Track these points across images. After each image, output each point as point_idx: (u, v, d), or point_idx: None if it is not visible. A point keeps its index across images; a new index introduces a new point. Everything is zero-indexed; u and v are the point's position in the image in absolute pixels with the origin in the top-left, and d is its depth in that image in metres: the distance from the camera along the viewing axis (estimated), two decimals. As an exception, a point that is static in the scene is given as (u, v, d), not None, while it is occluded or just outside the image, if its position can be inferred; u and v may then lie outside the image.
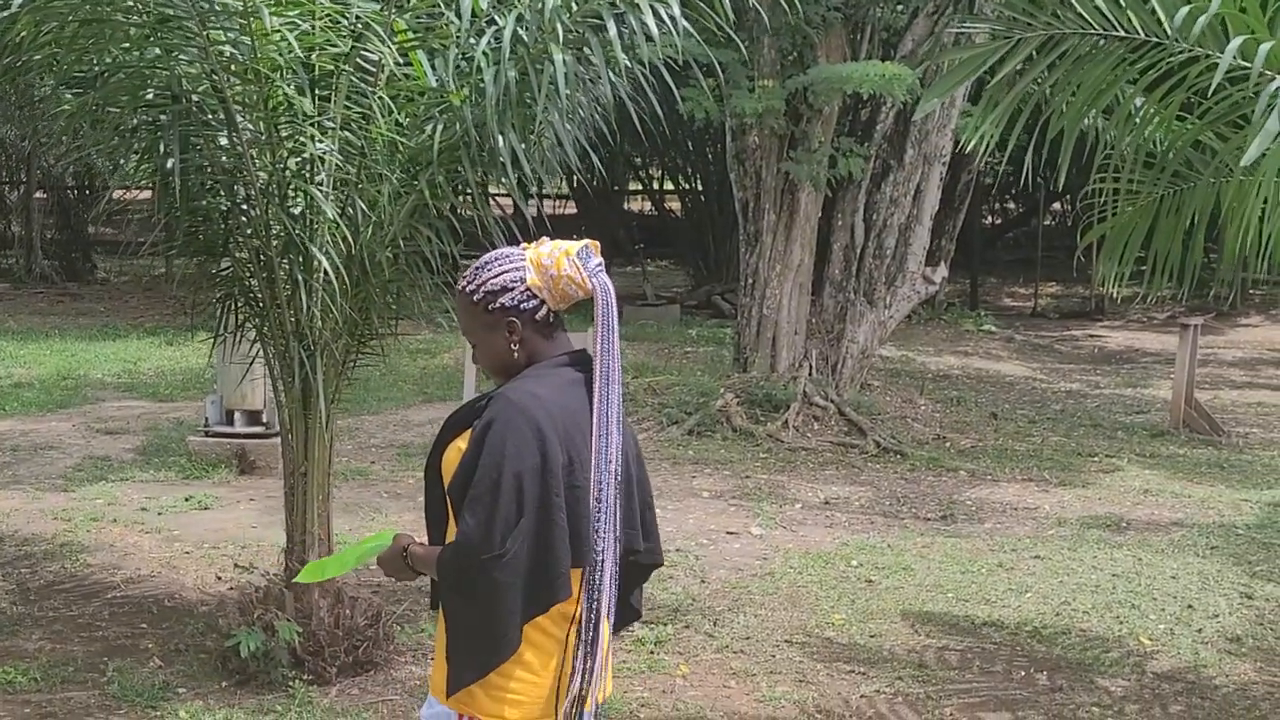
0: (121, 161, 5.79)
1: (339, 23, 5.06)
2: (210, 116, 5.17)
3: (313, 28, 5.06)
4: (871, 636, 6.32)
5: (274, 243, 5.27)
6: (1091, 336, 17.85)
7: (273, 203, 5.19)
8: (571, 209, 24.81)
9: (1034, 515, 8.66)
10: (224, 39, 4.94)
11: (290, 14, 5.02)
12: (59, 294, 19.66)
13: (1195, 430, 11.23)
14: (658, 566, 3.23)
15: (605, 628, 2.98)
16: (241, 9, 4.79)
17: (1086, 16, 4.90)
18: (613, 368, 2.93)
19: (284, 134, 5.15)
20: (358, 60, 5.13)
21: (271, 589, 5.71)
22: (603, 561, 2.91)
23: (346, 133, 5.20)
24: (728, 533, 8.02)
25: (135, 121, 5.36)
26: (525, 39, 4.94)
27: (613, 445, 2.91)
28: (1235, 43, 4.35)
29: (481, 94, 4.94)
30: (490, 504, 2.82)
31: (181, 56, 5.03)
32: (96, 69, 5.16)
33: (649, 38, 4.89)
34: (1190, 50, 4.76)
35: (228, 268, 5.67)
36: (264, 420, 9.21)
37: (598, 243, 3.02)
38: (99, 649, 5.90)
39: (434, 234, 5.48)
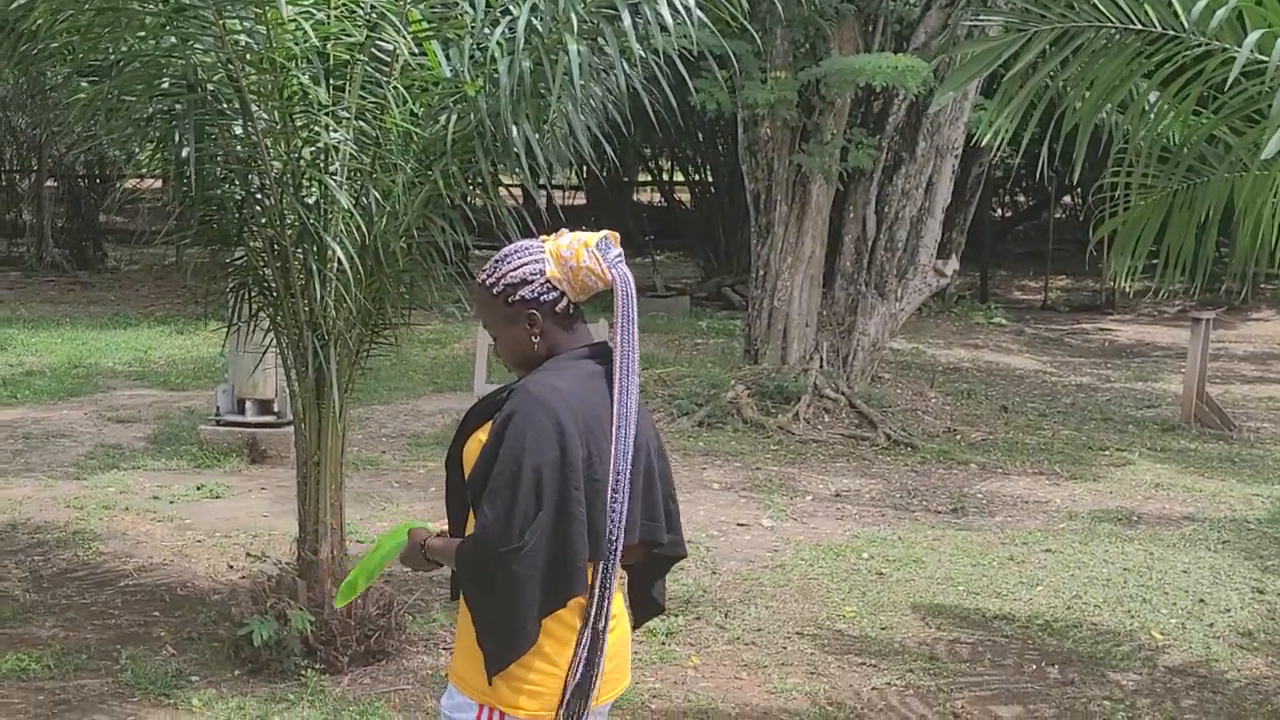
0: (136, 150, 5.80)
1: (354, 12, 5.06)
2: (225, 105, 5.17)
3: (328, 17, 5.05)
4: (882, 629, 6.32)
5: (288, 232, 5.27)
6: (1102, 330, 17.83)
7: (287, 192, 5.19)
8: (581, 199, 24.83)
9: (1045, 509, 8.66)
10: (239, 28, 4.94)
11: (305, 3, 5.01)
12: (70, 282, 19.70)
13: (1206, 425, 11.21)
14: (681, 559, 3.23)
15: (625, 623, 3.00)
16: (257, -2, 4.79)
17: (1103, 9, 4.89)
18: (632, 359, 2.93)
19: (299, 123, 5.15)
20: (373, 50, 5.13)
21: (284, 578, 5.71)
22: (614, 552, 2.92)
23: (361, 122, 5.20)
24: (738, 524, 8.02)
25: (150, 110, 5.36)
26: (540, 29, 4.94)
27: (631, 436, 2.91)
28: (1253, 36, 4.33)
29: (496, 84, 4.93)
30: (509, 497, 2.82)
31: (197, 45, 5.03)
32: (112, 58, 5.16)
33: (663, 28, 4.89)
34: (1207, 44, 4.75)
35: (242, 257, 5.68)
36: (275, 409, 9.23)
37: (617, 234, 3.02)
38: (112, 637, 5.92)
39: (448, 224, 5.48)
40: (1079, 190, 26.61)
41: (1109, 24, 4.91)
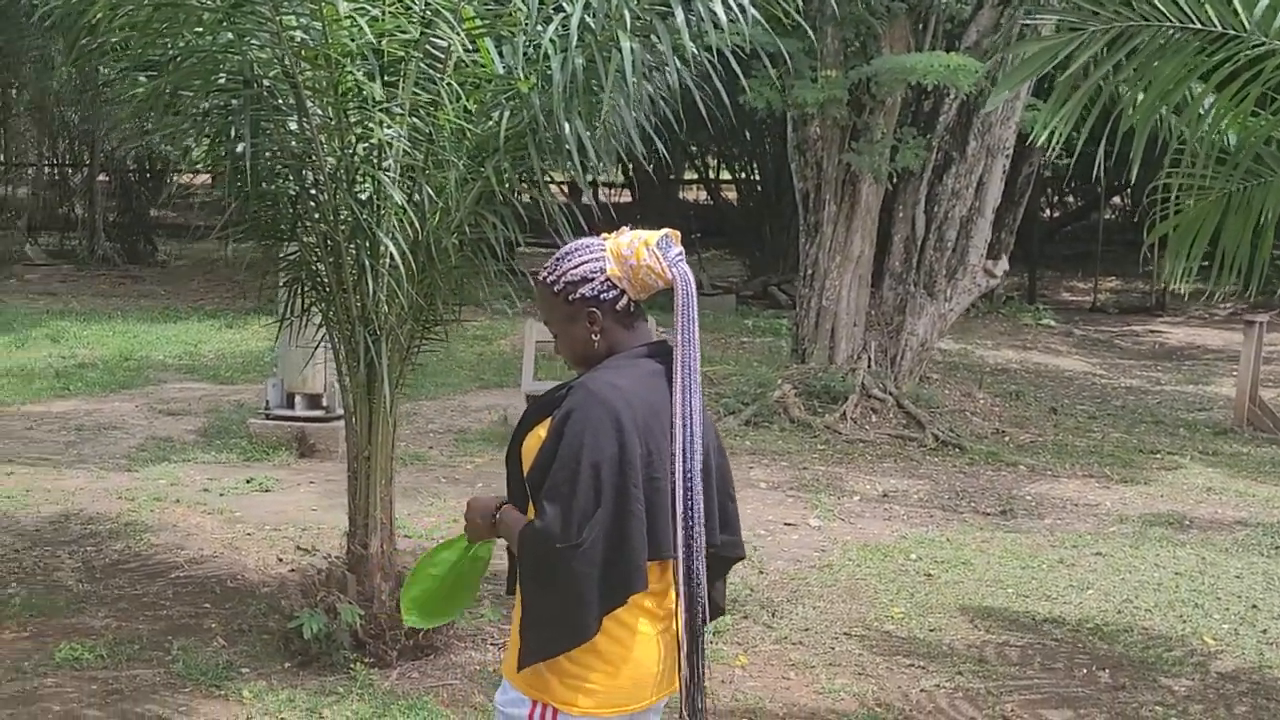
0: (191, 145, 5.84)
1: (409, 9, 5.07)
2: (280, 101, 5.20)
3: (382, 14, 5.07)
4: (931, 631, 6.29)
5: (341, 228, 5.29)
6: (1152, 332, 17.68)
7: (341, 188, 5.21)
8: (628, 197, 24.82)
9: (1095, 512, 8.59)
10: (296, 24, 4.96)
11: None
12: (121, 276, 19.89)
13: (1259, 428, 11.10)
14: (739, 560, 3.23)
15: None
16: (313, -6, 4.81)
17: (1161, 8, 4.84)
18: (693, 358, 2.92)
19: (353, 119, 5.17)
20: (427, 47, 5.14)
21: (333, 571, 5.74)
22: (696, 556, 2.93)
23: (414, 119, 5.21)
24: (785, 524, 8.00)
25: (207, 106, 5.40)
26: (592, 26, 4.94)
27: (696, 436, 2.91)
28: (1316, 36, 4.28)
29: (549, 81, 4.94)
30: (568, 494, 2.82)
31: (254, 41, 5.05)
32: (170, 53, 5.19)
33: (716, 25, 4.88)
34: (1268, 44, 4.69)
35: (295, 252, 5.71)
36: (324, 404, 9.28)
37: (677, 232, 3.01)
38: (163, 627, 5.96)
39: (499, 220, 5.49)
40: (1129, 191, 26.42)
41: (1168, 23, 4.86)
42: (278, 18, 4.85)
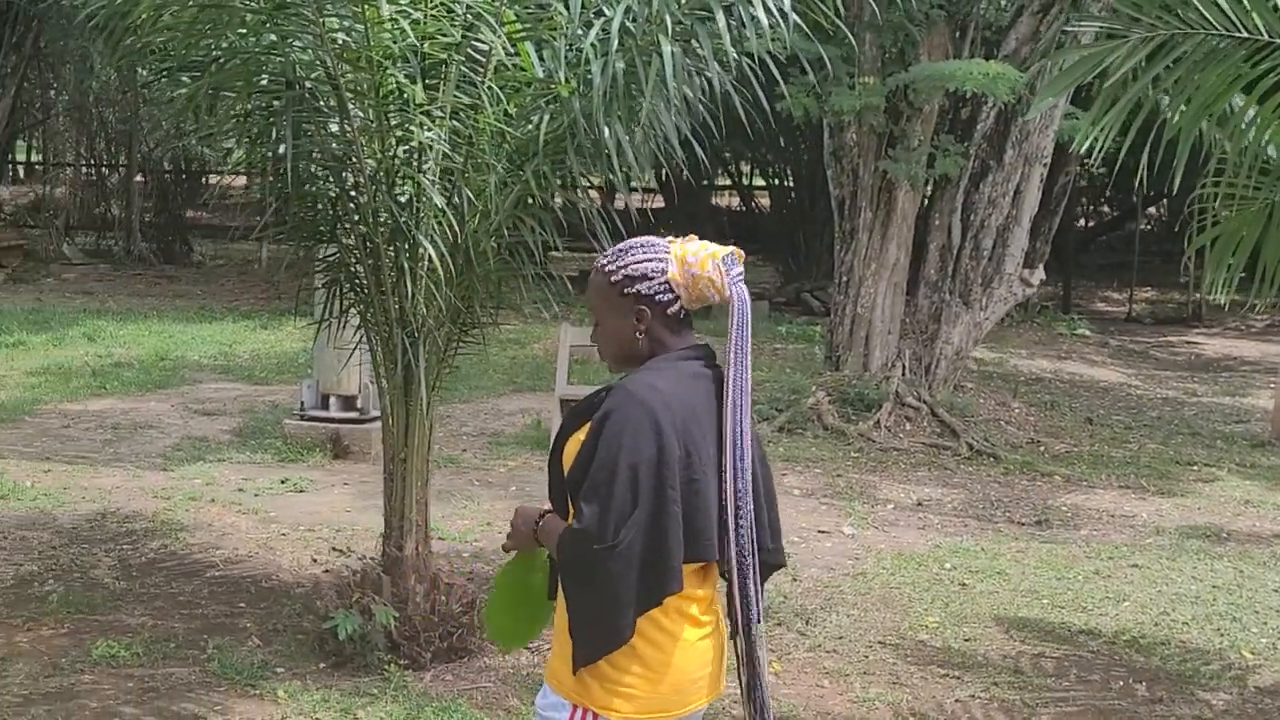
0: (232, 146, 5.87)
1: (451, 12, 5.08)
2: (322, 103, 5.22)
3: (424, 17, 5.08)
4: (966, 640, 6.26)
5: (381, 230, 5.30)
6: (1188, 343, 17.55)
7: (381, 190, 5.23)
8: (660, 202, 24.82)
9: (1131, 523, 8.53)
10: (338, 26, 4.98)
11: (402, 2, 5.04)
12: (157, 276, 20.02)
13: (1297, 441, 11.00)
14: (780, 567, 3.22)
15: (722, 629, 3.02)
16: (356, -4, 4.83)
17: (1206, 15, 4.80)
18: (745, 377, 2.95)
19: (393, 122, 5.18)
20: (469, 50, 5.15)
21: (368, 573, 5.75)
22: (750, 567, 2.97)
23: (455, 122, 5.22)
24: (819, 531, 7.97)
25: (249, 107, 5.42)
26: (632, 30, 4.94)
27: (746, 453, 2.93)
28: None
29: (589, 85, 4.94)
30: (605, 495, 2.82)
31: (296, 43, 5.08)
32: (213, 54, 5.22)
33: (758, 31, 4.87)
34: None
35: (334, 254, 5.73)
36: (359, 406, 9.30)
37: (742, 252, 3.02)
38: (199, 626, 5.99)
39: (537, 224, 5.49)
40: (1165, 201, 26.26)
41: (1212, 30, 4.83)
42: (321, 19, 4.88)
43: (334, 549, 7.07)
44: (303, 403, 9.46)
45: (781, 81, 5.31)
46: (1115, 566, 7.48)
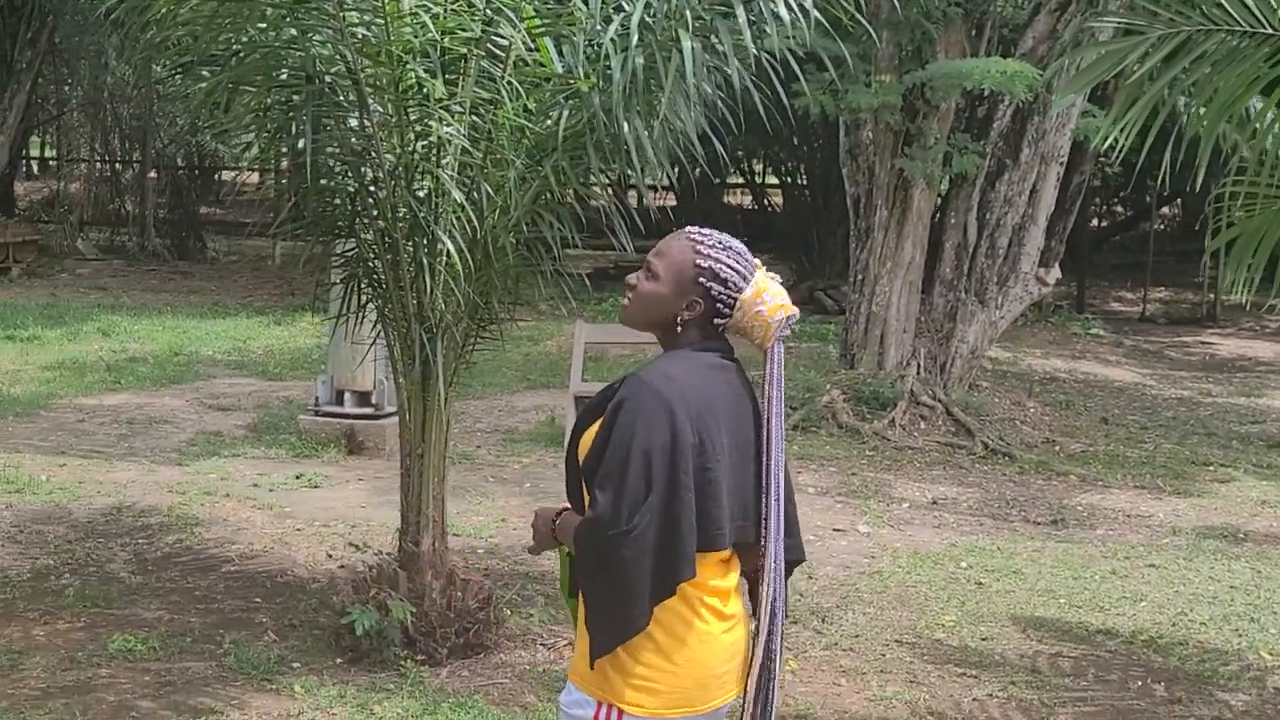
0: (251, 140, 5.86)
1: (471, 6, 5.07)
2: (342, 98, 5.21)
3: (444, 11, 5.07)
4: (982, 639, 6.23)
5: (400, 225, 5.29)
6: (1202, 343, 17.48)
7: (400, 185, 5.22)
8: (672, 200, 24.79)
9: (1147, 523, 8.50)
10: (359, 20, 4.97)
11: (422, -3, 5.04)
12: (170, 272, 20.06)
13: (1313, 443, 10.95)
14: (800, 563, 3.21)
15: (744, 625, 3.02)
16: (377, -9, 4.82)
17: (1231, 12, 4.77)
18: (779, 429, 3.00)
19: (413, 116, 5.18)
20: (488, 45, 5.14)
21: (385, 568, 5.75)
22: (776, 567, 3.00)
23: (474, 117, 5.21)
24: (834, 529, 7.96)
25: (269, 101, 5.41)
26: (652, 25, 4.92)
27: (779, 470, 3.00)
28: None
29: (608, 80, 4.92)
30: (619, 481, 2.82)
31: (316, 37, 5.07)
32: (233, 48, 5.21)
33: (780, 24, 4.86)
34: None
35: (352, 249, 5.72)
36: (373, 401, 9.30)
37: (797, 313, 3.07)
38: (215, 621, 5.99)
39: (556, 220, 5.48)
40: (1179, 201, 26.18)
41: (1235, 27, 4.79)
42: (341, 14, 4.87)
43: (350, 544, 7.08)
44: (317, 398, 9.45)
45: (802, 78, 5.29)
46: (1132, 566, 7.45)
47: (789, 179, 23.27)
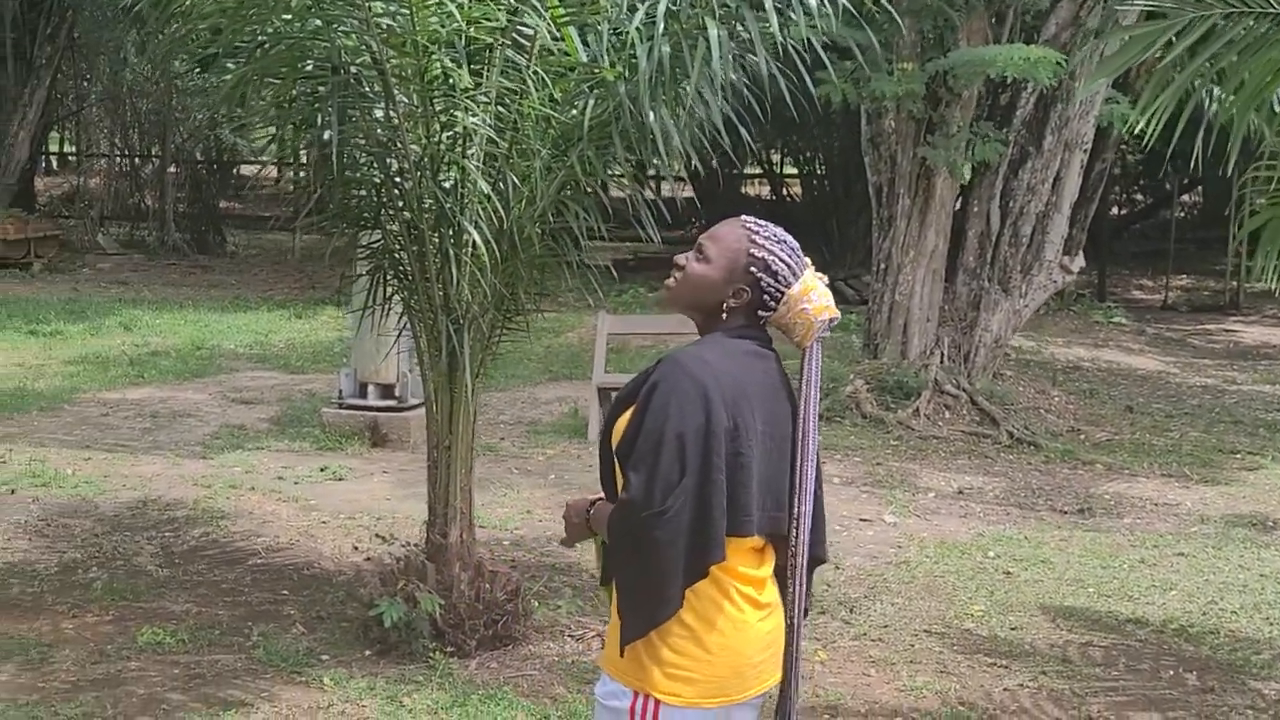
0: (273, 133, 5.85)
1: (496, -6, 5.05)
2: (367, 89, 5.20)
3: (468, 1, 5.04)
4: (1012, 629, 6.20)
5: (426, 215, 5.28)
6: (1226, 331, 17.38)
7: (426, 175, 5.20)
8: (688, 191, 24.73)
9: (1175, 512, 8.44)
10: (383, 10, 4.96)
11: (448, -14, 5.01)
12: (191, 266, 20.09)
13: (1341, 430, 10.87)
14: (823, 563, 3.20)
15: (780, 613, 3.03)
16: (402, -20, 4.80)
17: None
18: (812, 426, 3.01)
19: (438, 107, 5.16)
20: (514, 34, 5.12)
21: (412, 560, 5.74)
22: (804, 560, 3.02)
23: (499, 107, 5.19)
24: (860, 519, 7.92)
25: (294, 93, 5.40)
26: (677, 14, 4.89)
27: (812, 466, 3.01)
28: None
29: (634, 69, 4.90)
30: (652, 463, 2.82)
31: (341, 28, 5.06)
32: (258, 39, 5.19)
33: (807, 13, 4.83)
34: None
35: (377, 241, 5.71)
36: (397, 394, 9.29)
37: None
38: (243, 613, 5.99)
39: (581, 210, 5.46)
40: (1200, 189, 26.02)
41: (1268, 9, 4.73)
42: (366, 4, 4.85)
43: (378, 536, 7.07)
44: (340, 391, 9.45)
45: (829, 65, 5.25)
46: (1161, 555, 7.41)
47: (807, 169, 23.18)
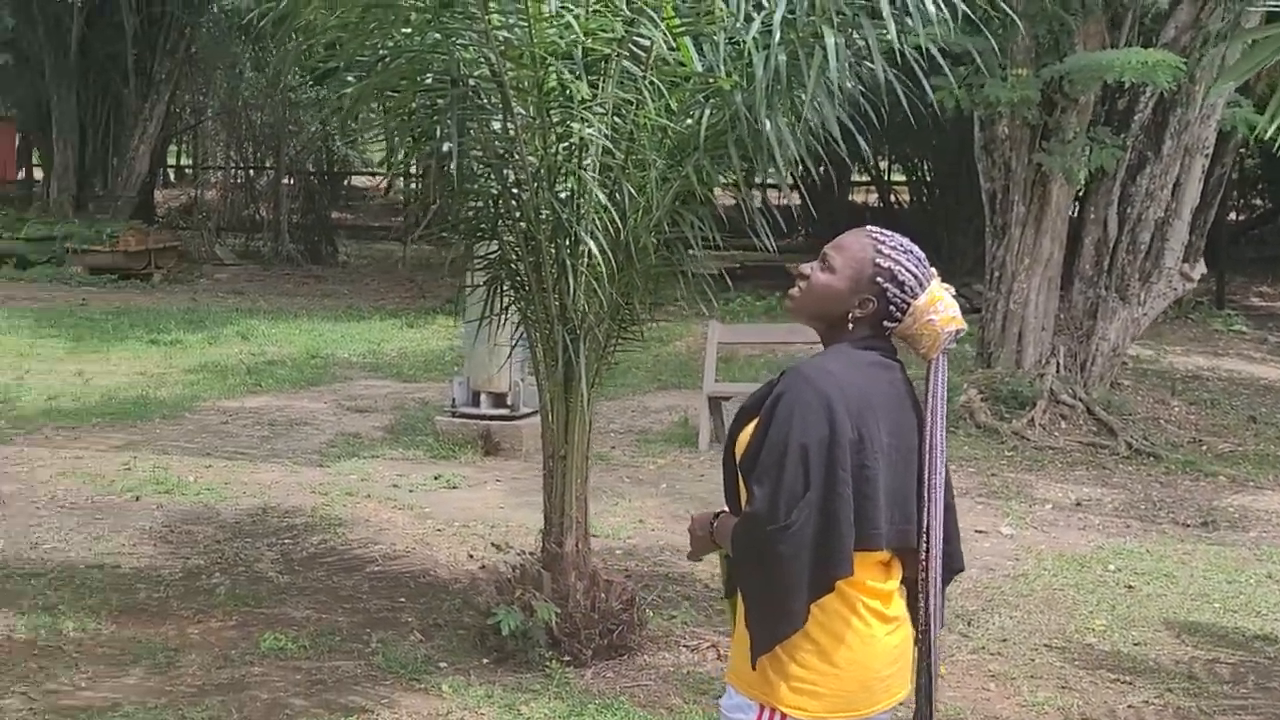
0: (393, 146, 5.92)
1: (613, 6, 5.06)
2: (485, 101, 5.24)
3: (585, 12, 5.06)
4: (1135, 645, 6.08)
5: (542, 226, 5.31)
6: (1352, 340, 16.89)
7: (542, 186, 5.23)
8: (794, 199, 24.63)
9: (1302, 525, 8.23)
10: (502, 23, 4.99)
11: (564, -1, 5.04)
12: (304, 276, 20.44)
13: None
14: (960, 572, 3.15)
15: (907, 626, 2.99)
16: (521, -6, 4.83)
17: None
18: (941, 437, 3.01)
19: (555, 118, 5.18)
20: (630, 45, 5.13)
21: (528, 569, 5.76)
22: (936, 578, 3.00)
23: (615, 118, 5.20)
24: (976, 531, 7.81)
25: (414, 105, 5.46)
26: (794, 22, 4.87)
27: (938, 501, 2.98)
28: None
29: (750, 79, 4.89)
30: (776, 476, 2.79)
31: (460, 41, 5.10)
32: (379, 53, 5.26)
33: (925, 20, 4.77)
34: None
35: (494, 251, 5.75)
36: (509, 403, 9.36)
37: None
38: (361, 620, 6.06)
39: (696, 219, 5.46)
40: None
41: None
42: (485, 17, 4.89)
43: (492, 544, 7.12)
44: (454, 400, 9.54)
45: (947, 71, 5.20)
46: (1289, 570, 7.22)
47: (915, 175, 22.98)
